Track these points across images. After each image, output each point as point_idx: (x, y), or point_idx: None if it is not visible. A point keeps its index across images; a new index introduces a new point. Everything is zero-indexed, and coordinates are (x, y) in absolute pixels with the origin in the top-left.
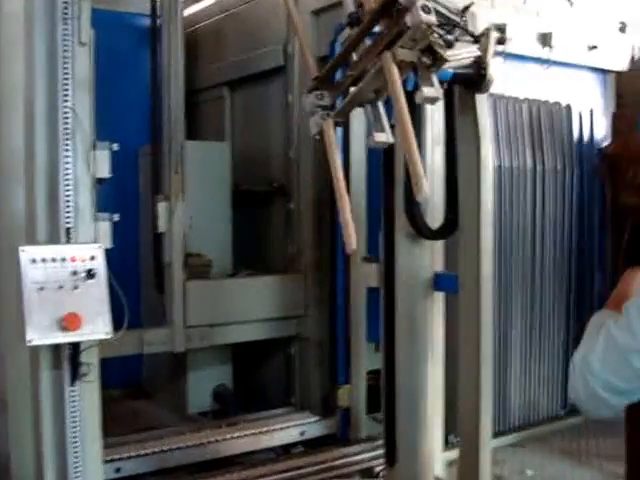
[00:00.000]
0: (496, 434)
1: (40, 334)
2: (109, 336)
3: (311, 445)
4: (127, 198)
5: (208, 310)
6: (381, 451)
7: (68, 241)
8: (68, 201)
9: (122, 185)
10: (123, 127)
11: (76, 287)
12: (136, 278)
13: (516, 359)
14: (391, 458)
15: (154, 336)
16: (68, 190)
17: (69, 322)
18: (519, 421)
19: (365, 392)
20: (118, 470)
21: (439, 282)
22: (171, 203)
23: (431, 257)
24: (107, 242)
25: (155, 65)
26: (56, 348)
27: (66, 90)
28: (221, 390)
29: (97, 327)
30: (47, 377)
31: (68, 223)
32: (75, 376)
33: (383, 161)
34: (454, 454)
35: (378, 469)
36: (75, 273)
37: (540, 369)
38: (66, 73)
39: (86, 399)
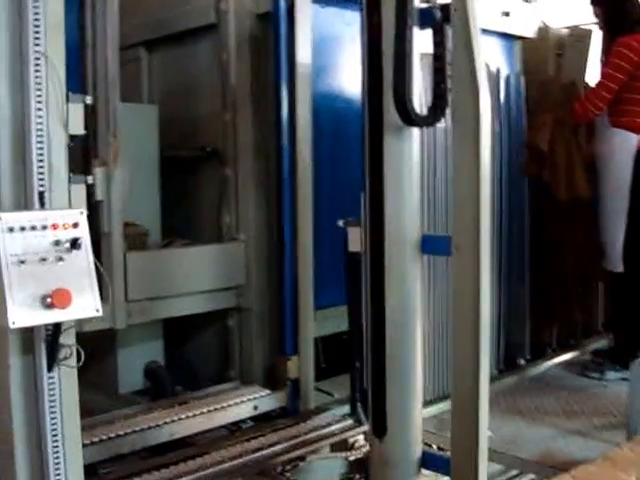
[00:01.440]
0: (441, 398)
1: (24, 314)
2: (99, 313)
3: (258, 420)
4: None
5: (148, 283)
6: (349, 422)
7: (42, 207)
8: (41, 160)
9: None
10: None
11: (60, 259)
12: None
13: None
14: (380, 429)
15: None
16: (41, 148)
17: (58, 299)
18: None
19: (313, 362)
20: None
21: (428, 245)
22: (109, 169)
23: (420, 217)
24: (83, 207)
25: (84, 20)
26: (27, 330)
27: (37, 32)
28: (153, 367)
29: (87, 303)
30: (17, 364)
31: (42, 186)
32: (53, 361)
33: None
34: None
35: (352, 440)
36: (58, 243)
37: None
38: (36, 12)
39: (65, 386)
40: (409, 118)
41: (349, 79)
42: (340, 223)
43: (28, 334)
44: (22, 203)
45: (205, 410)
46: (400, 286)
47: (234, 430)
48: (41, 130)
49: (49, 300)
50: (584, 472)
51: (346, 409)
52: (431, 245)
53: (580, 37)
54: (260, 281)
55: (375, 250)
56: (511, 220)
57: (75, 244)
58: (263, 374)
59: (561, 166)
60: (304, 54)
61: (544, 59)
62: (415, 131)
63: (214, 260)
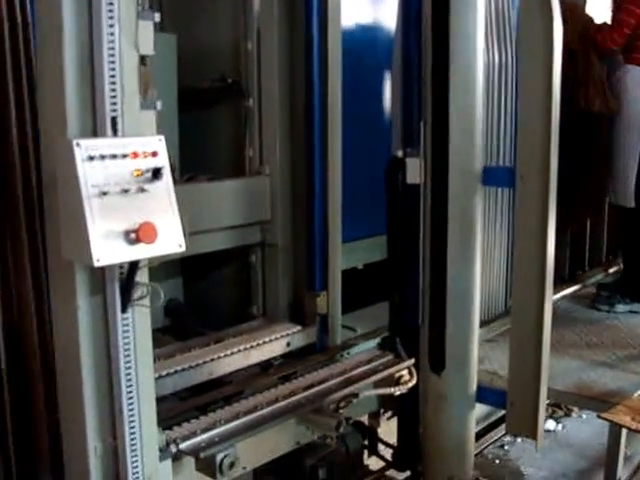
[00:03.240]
0: None
1: (109, 251)
2: (183, 249)
3: (285, 357)
4: None
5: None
6: (390, 357)
7: (114, 134)
8: (113, 83)
9: None
10: None
11: (142, 190)
12: None
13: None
14: (438, 365)
15: None
16: (112, 69)
17: (144, 234)
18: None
19: (341, 297)
20: None
21: (489, 176)
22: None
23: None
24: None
25: None
26: (96, 268)
27: None
28: (174, 305)
29: (171, 238)
30: (86, 305)
31: (114, 111)
32: (128, 301)
33: None
34: None
35: (397, 375)
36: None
37: (493, 264)
38: None
39: (140, 328)
40: None
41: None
42: (399, 153)
43: (98, 273)
44: (89, 130)
45: (242, 348)
46: (463, 219)
47: (266, 367)
48: (112, 49)
49: (133, 235)
50: (638, 402)
51: (372, 344)
52: (493, 177)
53: None
54: (286, 216)
55: (438, 182)
56: None
57: (158, 174)
58: (288, 310)
59: (578, 78)
60: None
61: None
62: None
63: (239, 195)
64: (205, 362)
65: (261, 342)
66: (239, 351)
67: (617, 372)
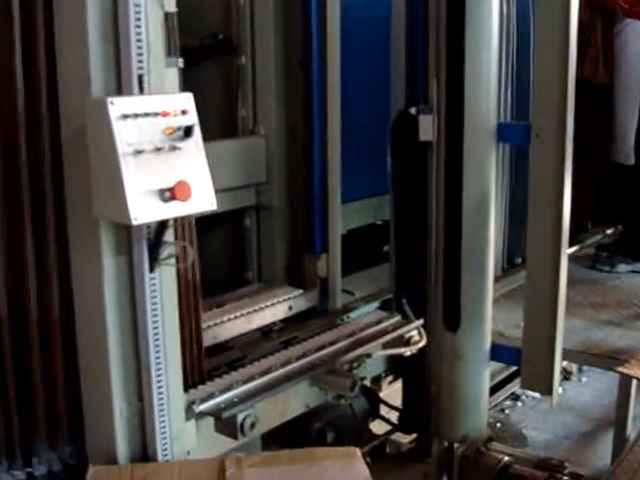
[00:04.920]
0: None
1: (146, 209)
2: (214, 207)
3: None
4: None
5: None
6: (398, 318)
7: (141, 92)
8: (139, 40)
9: None
10: None
11: (174, 148)
12: None
13: None
14: (453, 323)
15: None
16: (138, 26)
17: (180, 192)
18: None
19: (341, 260)
20: None
21: (504, 133)
22: None
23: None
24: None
25: None
26: (121, 227)
27: None
28: None
29: (204, 196)
30: (111, 265)
31: (140, 69)
32: (155, 260)
33: None
34: None
35: (407, 336)
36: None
37: None
38: None
39: (166, 288)
40: None
41: None
42: (412, 111)
43: (124, 232)
44: (112, 88)
45: (245, 312)
46: (478, 176)
47: (266, 332)
48: (138, 6)
49: (168, 193)
50: None
51: (373, 307)
52: (507, 133)
53: None
54: (282, 177)
55: (451, 139)
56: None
57: (189, 132)
58: (285, 274)
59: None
60: None
61: None
62: None
63: (233, 156)
64: (209, 326)
65: (263, 306)
66: (242, 315)
67: (624, 330)
